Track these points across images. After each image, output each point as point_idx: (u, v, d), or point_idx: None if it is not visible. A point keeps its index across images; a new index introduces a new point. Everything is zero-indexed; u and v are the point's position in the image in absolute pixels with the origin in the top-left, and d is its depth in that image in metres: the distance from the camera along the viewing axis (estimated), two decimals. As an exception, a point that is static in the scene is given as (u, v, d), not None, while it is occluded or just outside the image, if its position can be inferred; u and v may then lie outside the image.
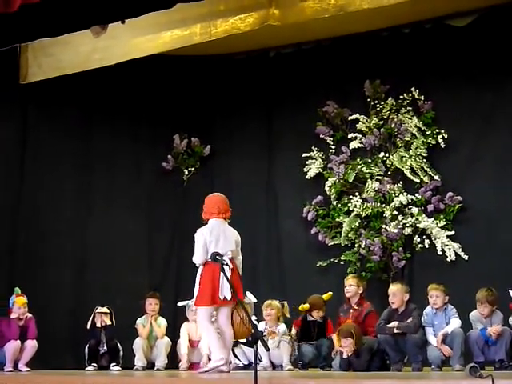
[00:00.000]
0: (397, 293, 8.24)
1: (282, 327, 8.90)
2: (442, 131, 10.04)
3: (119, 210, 10.94)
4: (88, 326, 9.46)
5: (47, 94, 10.43)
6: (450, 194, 9.86)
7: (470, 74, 9.92)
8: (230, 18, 9.17)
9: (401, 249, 9.97)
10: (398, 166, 10.19)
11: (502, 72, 9.65)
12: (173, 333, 9.62)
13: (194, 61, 10.91)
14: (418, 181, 10.10)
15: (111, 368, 9.25)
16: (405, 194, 10.09)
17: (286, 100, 11.00)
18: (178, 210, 11.19)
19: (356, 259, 10.17)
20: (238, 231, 7.46)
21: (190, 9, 8.89)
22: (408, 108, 10.25)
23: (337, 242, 10.31)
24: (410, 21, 9.97)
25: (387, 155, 10.30)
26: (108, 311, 9.48)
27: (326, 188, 10.46)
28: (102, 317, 9.43)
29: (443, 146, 10.03)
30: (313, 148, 10.62)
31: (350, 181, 10.36)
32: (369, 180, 10.31)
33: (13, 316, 9.10)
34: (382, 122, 10.38)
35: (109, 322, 9.45)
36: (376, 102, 10.41)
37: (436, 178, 10.03)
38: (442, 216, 9.88)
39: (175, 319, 9.99)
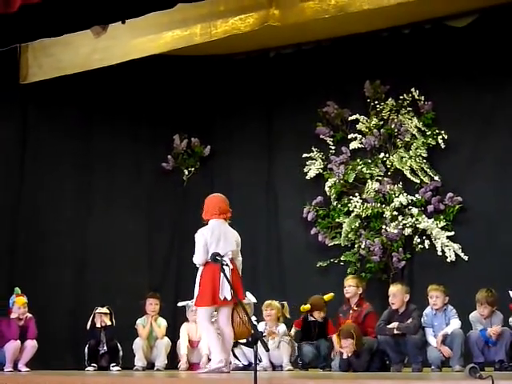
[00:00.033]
0: (397, 293, 8.24)
1: (282, 327, 8.90)
2: (442, 132, 10.03)
3: (119, 209, 10.94)
4: (88, 327, 9.46)
5: (47, 94, 10.44)
6: (449, 194, 9.85)
7: (470, 74, 9.92)
8: (230, 19, 9.18)
9: (401, 249, 9.97)
10: (398, 167, 10.19)
11: (502, 73, 9.65)
12: (173, 333, 9.63)
13: (194, 61, 10.91)
14: (418, 181, 10.09)
15: (111, 368, 9.25)
16: (405, 194, 10.08)
17: (286, 100, 10.99)
18: (178, 210, 11.19)
19: (356, 260, 10.17)
20: (238, 231, 7.46)
21: (190, 9, 8.91)
22: (408, 109, 10.24)
23: (337, 243, 10.31)
24: (409, 21, 9.98)
25: (387, 156, 10.30)
26: (108, 311, 9.48)
27: (326, 188, 10.45)
28: (101, 317, 9.42)
29: (443, 146, 10.03)
30: (313, 148, 10.61)
31: (350, 181, 10.36)
32: (369, 180, 10.31)
33: (13, 316, 9.11)
34: (382, 123, 10.38)
35: (109, 323, 9.45)
36: (376, 102, 10.40)
37: (436, 178, 10.03)
38: (441, 217, 9.87)
39: (175, 319, 9.98)
